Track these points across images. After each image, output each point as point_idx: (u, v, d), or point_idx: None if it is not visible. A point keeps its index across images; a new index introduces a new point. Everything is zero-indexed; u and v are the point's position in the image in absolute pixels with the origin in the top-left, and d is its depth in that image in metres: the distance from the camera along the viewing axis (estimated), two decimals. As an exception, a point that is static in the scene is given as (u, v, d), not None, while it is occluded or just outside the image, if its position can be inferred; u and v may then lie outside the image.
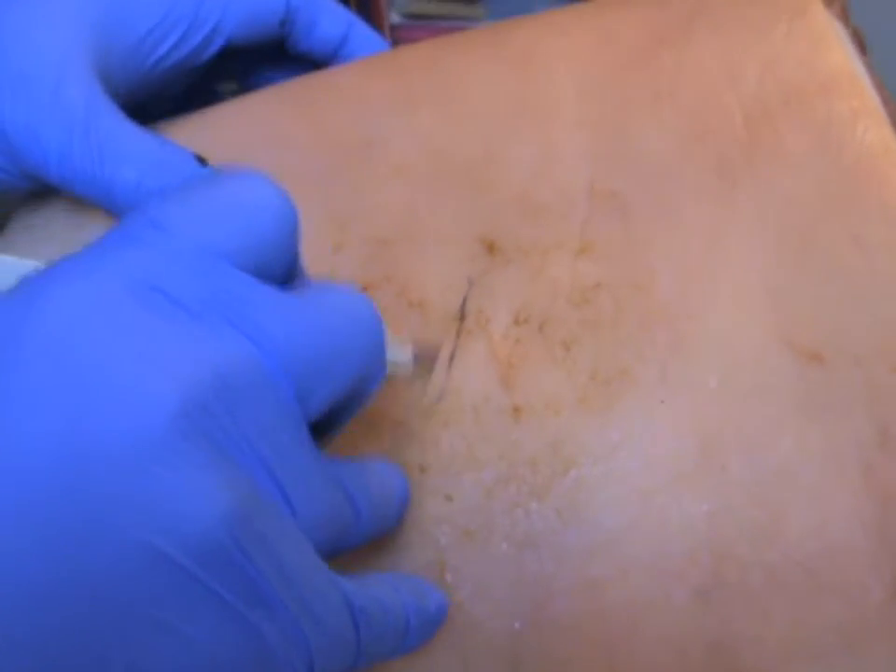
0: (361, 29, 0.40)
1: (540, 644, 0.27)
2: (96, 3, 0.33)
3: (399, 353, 0.28)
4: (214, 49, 0.36)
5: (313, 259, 0.27)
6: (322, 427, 0.24)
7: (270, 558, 0.20)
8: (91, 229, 0.35)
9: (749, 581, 0.27)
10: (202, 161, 0.33)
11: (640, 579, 0.27)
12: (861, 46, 0.34)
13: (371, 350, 0.24)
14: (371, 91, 0.36)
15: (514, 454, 0.29)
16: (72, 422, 0.19)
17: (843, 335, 0.28)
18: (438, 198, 0.33)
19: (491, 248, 0.32)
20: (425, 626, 0.27)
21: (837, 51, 0.32)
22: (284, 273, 0.24)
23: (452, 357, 0.31)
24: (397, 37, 0.55)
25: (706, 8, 0.34)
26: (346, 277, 0.32)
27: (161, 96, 0.37)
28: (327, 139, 0.35)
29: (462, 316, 0.31)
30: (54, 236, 0.36)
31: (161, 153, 0.32)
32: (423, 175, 0.34)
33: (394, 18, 0.58)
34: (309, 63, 0.40)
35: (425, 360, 0.30)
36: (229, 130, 0.36)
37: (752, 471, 0.27)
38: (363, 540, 0.25)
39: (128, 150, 0.32)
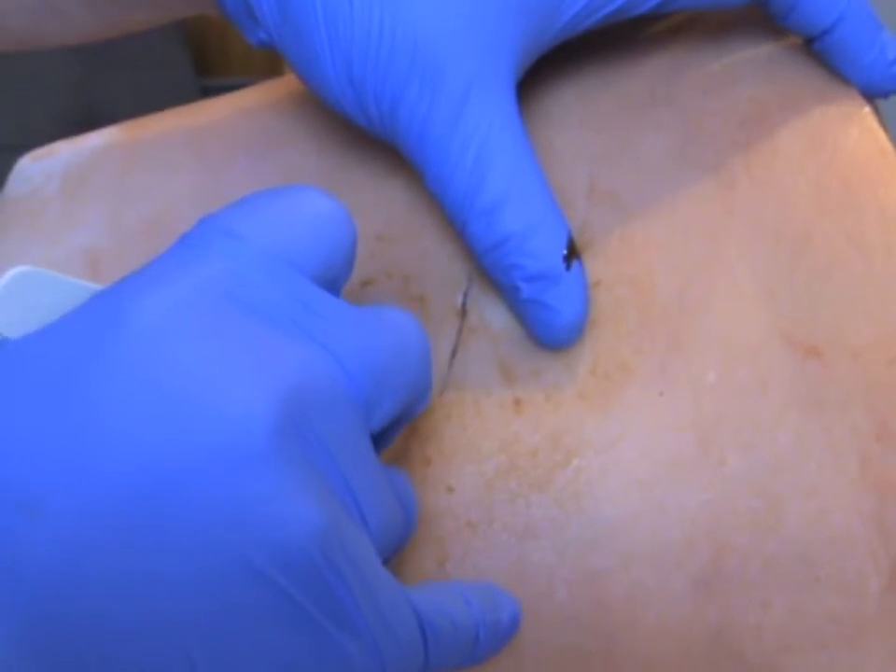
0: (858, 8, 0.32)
1: (541, 634, 0.27)
2: None
3: None
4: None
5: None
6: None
7: (355, 575, 0.20)
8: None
9: (748, 571, 0.27)
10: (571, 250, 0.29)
11: (640, 569, 0.27)
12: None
13: (425, 367, 0.24)
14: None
15: (515, 446, 0.29)
16: (167, 434, 0.19)
17: (840, 330, 0.29)
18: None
19: (491, 246, 0.32)
20: (496, 639, 0.26)
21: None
22: (342, 284, 0.24)
23: (454, 353, 0.31)
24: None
25: (703, 17, 0.35)
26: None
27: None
28: (324, 135, 0.36)
29: (463, 312, 0.31)
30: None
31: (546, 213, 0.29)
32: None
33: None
34: None
35: None
36: (224, 124, 0.37)
37: (751, 463, 0.28)
38: (404, 546, 0.25)
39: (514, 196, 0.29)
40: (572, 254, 0.29)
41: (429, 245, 0.33)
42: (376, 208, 0.34)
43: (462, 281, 0.32)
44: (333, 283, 0.24)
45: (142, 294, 0.20)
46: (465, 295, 0.31)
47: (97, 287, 0.23)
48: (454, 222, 0.30)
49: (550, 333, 0.29)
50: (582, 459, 0.29)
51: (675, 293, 0.30)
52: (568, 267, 0.29)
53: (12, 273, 0.22)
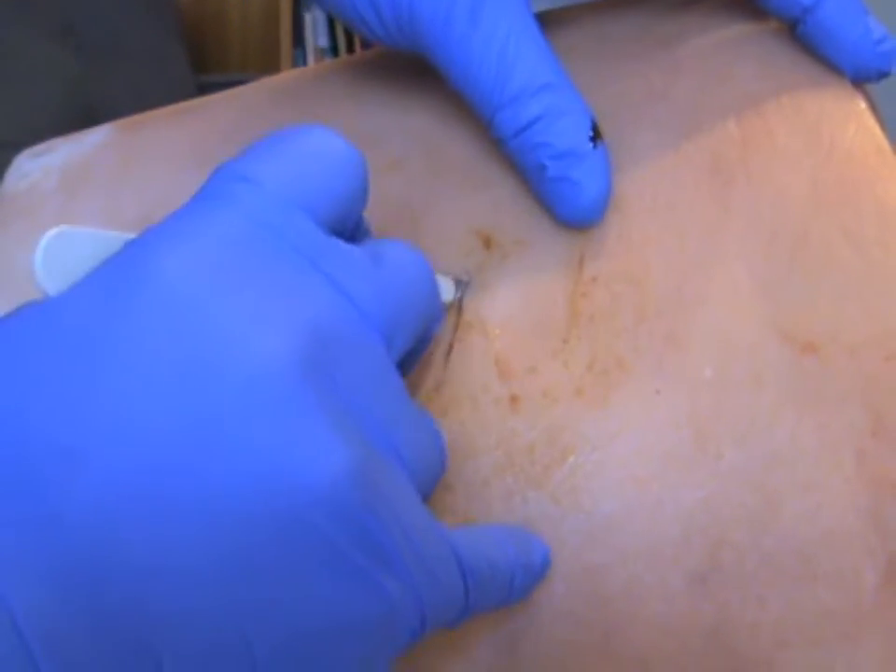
0: None
1: (538, 629, 0.28)
2: None
3: (444, 289, 0.30)
4: None
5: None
6: None
7: (391, 516, 0.20)
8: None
9: (744, 566, 0.27)
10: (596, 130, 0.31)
11: (637, 564, 0.28)
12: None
13: (433, 296, 0.25)
14: (362, 87, 0.36)
15: (512, 442, 0.29)
16: (192, 377, 0.19)
17: (837, 326, 0.29)
18: (434, 193, 0.34)
19: (488, 243, 0.32)
20: (529, 581, 0.27)
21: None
22: (356, 222, 0.25)
23: (450, 349, 0.31)
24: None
25: (698, 7, 0.35)
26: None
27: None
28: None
29: (459, 308, 0.31)
30: None
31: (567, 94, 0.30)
32: (419, 171, 0.34)
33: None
34: None
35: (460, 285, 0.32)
36: (222, 120, 0.37)
37: (747, 459, 0.28)
38: (436, 484, 0.26)
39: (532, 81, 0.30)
40: (597, 135, 0.30)
41: (426, 242, 0.33)
42: (374, 204, 0.33)
43: (459, 277, 0.32)
44: (348, 219, 0.24)
45: (164, 249, 0.21)
46: (462, 292, 0.32)
47: (133, 236, 0.23)
48: (481, 115, 0.31)
49: (575, 210, 0.30)
50: (579, 455, 0.29)
51: (672, 289, 0.30)
52: (594, 147, 0.30)
53: (50, 234, 0.22)
